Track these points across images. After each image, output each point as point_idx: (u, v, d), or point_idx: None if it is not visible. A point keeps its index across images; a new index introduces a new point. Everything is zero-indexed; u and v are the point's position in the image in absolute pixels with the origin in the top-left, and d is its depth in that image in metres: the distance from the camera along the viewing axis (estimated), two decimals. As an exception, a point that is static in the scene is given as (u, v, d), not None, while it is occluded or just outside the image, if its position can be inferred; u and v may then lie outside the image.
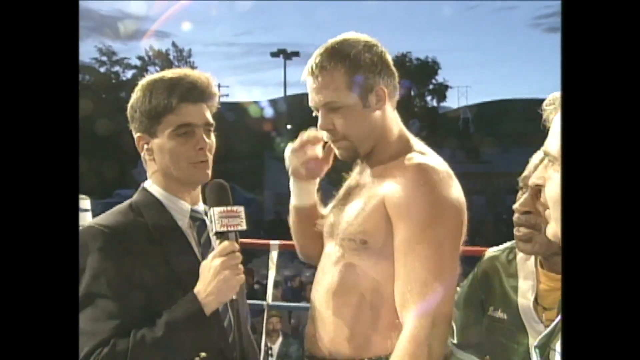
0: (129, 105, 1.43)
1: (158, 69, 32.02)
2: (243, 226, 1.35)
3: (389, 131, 1.49)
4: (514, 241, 1.50)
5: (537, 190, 1.37)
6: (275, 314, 5.52)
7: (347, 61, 1.40)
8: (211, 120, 1.43)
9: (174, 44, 33.60)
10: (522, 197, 1.42)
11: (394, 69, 1.49)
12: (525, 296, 1.43)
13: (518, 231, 1.42)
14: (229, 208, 1.34)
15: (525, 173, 1.43)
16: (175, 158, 1.38)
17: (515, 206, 1.43)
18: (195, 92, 1.39)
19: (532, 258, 1.48)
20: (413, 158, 1.43)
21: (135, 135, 1.43)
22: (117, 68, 31.43)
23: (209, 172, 1.41)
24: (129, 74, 31.68)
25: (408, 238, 1.35)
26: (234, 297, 1.33)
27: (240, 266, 1.33)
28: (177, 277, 1.34)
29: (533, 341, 1.37)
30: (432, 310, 1.31)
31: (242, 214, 1.35)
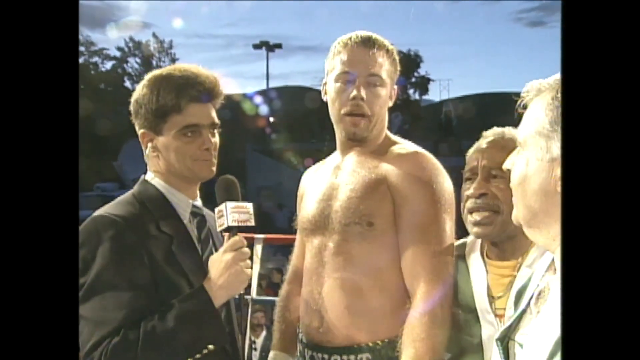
0: (133, 99, 1.42)
1: (138, 60, 31.67)
2: (252, 222, 1.37)
3: (384, 126, 1.60)
4: (461, 240, 1.53)
5: (489, 174, 1.43)
6: (259, 309, 5.51)
7: (393, 55, 1.57)
8: (217, 120, 1.44)
9: (154, 35, 33.21)
10: (475, 182, 1.45)
11: None
12: (477, 288, 1.45)
13: (478, 215, 1.43)
14: (240, 204, 1.37)
15: (472, 164, 1.47)
16: (181, 156, 1.39)
17: (470, 191, 1.45)
18: (204, 93, 1.39)
19: (478, 250, 1.50)
20: (407, 147, 1.55)
21: (139, 131, 1.42)
22: (95, 59, 31.00)
23: (214, 168, 1.43)
24: (108, 65, 31.28)
25: (413, 214, 1.46)
26: (242, 291, 1.35)
27: (248, 261, 1.35)
28: (183, 271, 1.34)
29: (486, 331, 1.40)
30: (440, 276, 1.42)
31: (251, 210, 1.38)
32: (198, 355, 1.27)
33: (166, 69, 1.44)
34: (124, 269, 1.27)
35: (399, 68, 1.60)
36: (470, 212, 1.45)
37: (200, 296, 1.29)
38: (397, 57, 1.60)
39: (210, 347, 1.28)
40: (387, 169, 1.50)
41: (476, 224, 1.44)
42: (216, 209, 1.38)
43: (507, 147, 1.38)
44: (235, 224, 1.34)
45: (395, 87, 1.60)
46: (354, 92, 1.50)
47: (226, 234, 1.36)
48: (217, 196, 1.38)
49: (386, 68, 1.54)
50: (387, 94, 1.55)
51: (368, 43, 1.52)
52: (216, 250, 1.43)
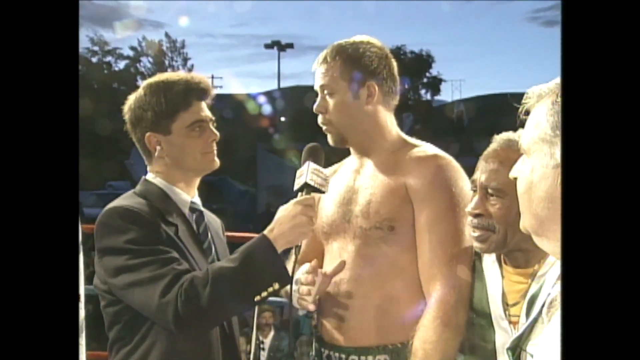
0: (135, 107, 1.52)
1: (151, 59, 31.87)
2: (326, 189, 1.45)
3: (383, 128, 1.58)
4: None
5: (486, 192, 1.39)
6: (267, 308, 5.52)
7: (344, 55, 1.55)
8: (211, 115, 1.57)
9: (167, 35, 33.37)
10: (472, 200, 1.42)
11: (396, 75, 1.60)
12: (492, 293, 1.44)
13: (474, 232, 1.41)
14: (321, 169, 1.45)
15: (475, 176, 1.43)
16: (191, 150, 1.50)
17: (468, 209, 1.42)
18: (204, 91, 1.53)
19: (494, 254, 1.47)
20: (426, 150, 1.55)
21: (146, 134, 1.51)
22: (109, 58, 31.22)
23: (217, 159, 1.54)
24: (122, 64, 31.49)
25: (432, 217, 1.47)
26: (299, 244, 1.42)
27: (313, 220, 1.42)
28: (190, 256, 1.44)
29: (500, 338, 1.38)
30: (457, 281, 1.43)
31: (329, 180, 1.47)
32: (264, 293, 1.35)
33: (160, 76, 1.56)
34: (157, 242, 1.38)
35: (380, 66, 1.56)
36: (470, 226, 1.43)
37: (261, 240, 1.37)
38: (371, 54, 1.55)
39: (276, 285, 1.35)
40: (406, 172, 1.51)
41: (475, 239, 1.42)
42: (298, 170, 1.46)
43: (508, 159, 1.33)
44: (312, 183, 1.41)
45: (375, 84, 1.55)
46: (315, 106, 1.59)
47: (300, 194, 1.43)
48: (302, 160, 1.48)
49: (339, 73, 1.54)
50: (345, 98, 1.54)
51: (323, 57, 1.57)
52: (214, 244, 1.54)
